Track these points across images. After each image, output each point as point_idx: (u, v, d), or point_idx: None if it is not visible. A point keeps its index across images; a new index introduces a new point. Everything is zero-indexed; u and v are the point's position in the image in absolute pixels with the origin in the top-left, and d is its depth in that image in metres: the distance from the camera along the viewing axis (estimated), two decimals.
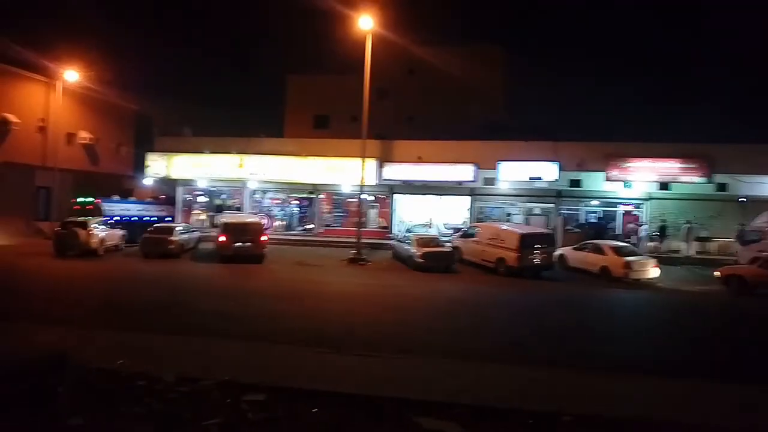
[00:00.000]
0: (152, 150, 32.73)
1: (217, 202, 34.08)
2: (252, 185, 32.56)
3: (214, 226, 29.67)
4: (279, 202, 33.96)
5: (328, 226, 32.32)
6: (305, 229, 32.56)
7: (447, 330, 12.81)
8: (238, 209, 32.74)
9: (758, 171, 26.25)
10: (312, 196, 32.47)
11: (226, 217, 26.15)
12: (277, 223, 32.73)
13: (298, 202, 33.57)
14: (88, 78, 31.92)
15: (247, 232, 23.24)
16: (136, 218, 29.48)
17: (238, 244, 22.70)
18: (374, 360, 9.67)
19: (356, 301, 16.38)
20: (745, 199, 26.66)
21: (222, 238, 22.97)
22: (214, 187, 33.58)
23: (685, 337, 13.25)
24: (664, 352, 11.77)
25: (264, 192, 33.61)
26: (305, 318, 13.18)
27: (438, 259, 22.37)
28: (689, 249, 26.57)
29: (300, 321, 12.80)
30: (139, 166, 34.71)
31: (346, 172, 29.25)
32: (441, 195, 30.92)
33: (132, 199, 33.26)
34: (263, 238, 23.38)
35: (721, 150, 26.48)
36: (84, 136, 34.56)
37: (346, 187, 30.54)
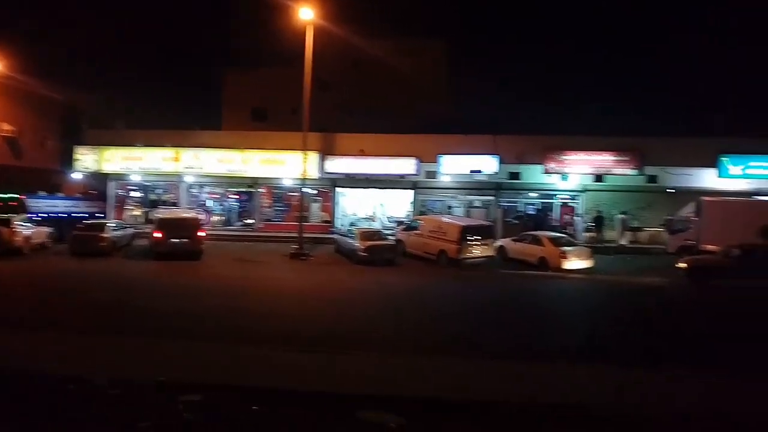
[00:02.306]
0: (82, 143, 31.30)
1: (152, 197, 33.07)
2: (188, 179, 31.68)
3: (149, 222, 28.73)
4: (217, 196, 33.18)
5: (268, 220, 31.82)
6: (245, 224, 31.95)
7: (391, 324, 12.86)
8: (174, 204, 31.91)
9: (685, 163, 27.55)
10: (251, 190, 31.93)
11: (162, 213, 25.40)
12: (215, 218, 32.04)
13: (237, 196, 32.91)
14: (8, 67, 30.22)
15: (184, 227, 22.60)
16: (65, 215, 28.09)
17: (174, 240, 22.05)
18: (317, 356, 9.59)
19: (298, 297, 16.20)
20: (673, 190, 28.16)
21: (157, 235, 22.27)
22: (149, 181, 32.48)
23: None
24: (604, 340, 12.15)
25: (201, 186, 32.77)
26: (245, 315, 12.94)
27: (381, 253, 22.55)
28: (622, 239, 27.84)
29: (240, 318, 12.55)
30: (68, 160, 33.18)
31: (287, 166, 28.97)
32: (384, 188, 31.06)
33: (60, 194, 31.78)
34: (201, 233, 22.84)
35: (651, 143, 27.65)
36: (5, 128, 32.79)
37: (287, 181, 30.15)
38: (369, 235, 23.65)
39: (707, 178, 27.60)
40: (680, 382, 8.75)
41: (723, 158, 26.98)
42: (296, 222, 26.30)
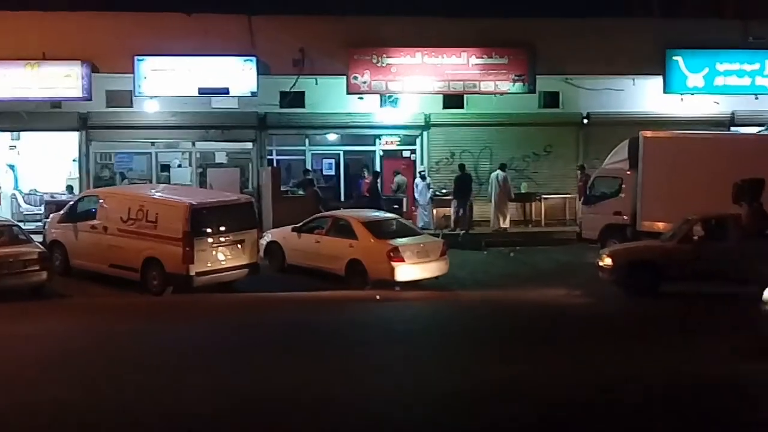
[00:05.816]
0: None
1: None
2: None
3: None
4: None
5: None
6: None
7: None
8: None
9: (608, 70, 28.87)
10: None
11: None
12: None
13: None
14: None
15: None
16: None
17: None
18: None
19: None
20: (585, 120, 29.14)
21: None
22: None
23: None
24: None
25: None
26: None
27: (12, 273, 20.25)
28: (501, 218, 27.90)
29: None
30: None
31: None
32: (18, 131, 29.51)
33: None
34: None
35: (547, 31, 28.33)
36: None
37: None
38: None
39: (648, 96, 28.95)
40: None
41: (674, 57, 28.53)
42: None
